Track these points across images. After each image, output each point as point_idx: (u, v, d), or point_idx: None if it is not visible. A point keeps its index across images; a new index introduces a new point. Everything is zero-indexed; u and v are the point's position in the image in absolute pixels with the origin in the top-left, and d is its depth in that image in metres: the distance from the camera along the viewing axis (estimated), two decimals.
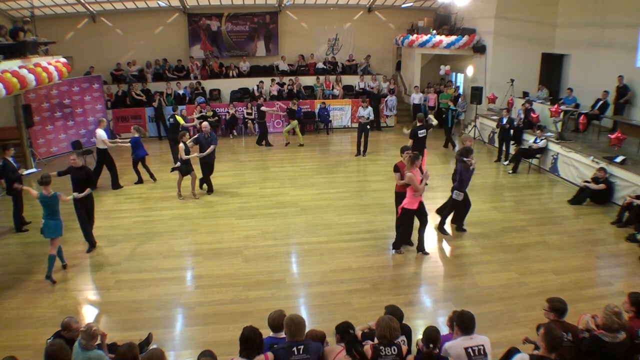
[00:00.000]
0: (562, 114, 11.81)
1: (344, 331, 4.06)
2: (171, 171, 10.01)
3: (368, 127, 12.95)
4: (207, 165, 9.99)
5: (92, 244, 7.58)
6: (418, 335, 4.63)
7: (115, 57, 16.26)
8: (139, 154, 10.60)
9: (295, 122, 14.36)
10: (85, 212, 7.44)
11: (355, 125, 14.36)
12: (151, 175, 10.92)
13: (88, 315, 5.79)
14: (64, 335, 4.18)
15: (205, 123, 10.12)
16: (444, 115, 14.91)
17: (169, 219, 8.74)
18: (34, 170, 10.63)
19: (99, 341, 4.03)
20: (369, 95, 16.24)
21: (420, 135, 9.79)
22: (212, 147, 9.74)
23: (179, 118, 12.19)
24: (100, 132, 10.47)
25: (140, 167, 10.80)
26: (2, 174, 8.27)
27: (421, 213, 7.02)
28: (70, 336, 4.12)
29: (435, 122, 10.69)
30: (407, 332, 4.26)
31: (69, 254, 7.38)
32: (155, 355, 3.43)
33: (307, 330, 3.99)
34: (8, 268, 7.02)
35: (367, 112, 12.87)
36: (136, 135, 10.57)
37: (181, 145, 9.41)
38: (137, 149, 10.54)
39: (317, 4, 17.39)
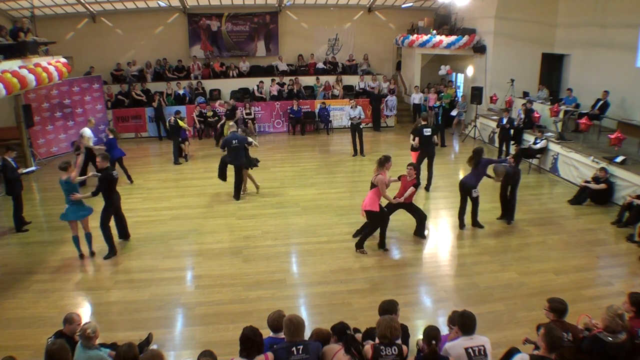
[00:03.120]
0: (561, 114, 11.81)
1: (340, 332, 4.05)
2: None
3: (361, 126, 12.98)
4: (234, 168, 9.65)
5: (127, 236, 7.81)
6: (418, 335, 4.63)
7: (115, 57, 16.27)
8: (114, 155, 10.20)
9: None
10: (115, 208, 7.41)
11: None
12: (128, 177, 10.81)
13: (88, 315, 5.78)
14: (65, 329, 4.21)
15: (231, 122, 9.97)
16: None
17: (169, 219, 8.74)
18: (33, 168, 10.65)
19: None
20: (368, 95, 16.29)
21: (425, 134, 9.79)
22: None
23: (181, 123, 12.26)
24: (87, 131, 10.61)
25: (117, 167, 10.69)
26: (2, 173, 8.29)
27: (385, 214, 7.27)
28: (71, 330, 4.16)
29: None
30: (403, 331, 4.26)
31: (69, 253, 7.39)
32: (156, 355, 3.43)
33: (307, 329, 3.99)
34: (8, 268, 7.01)
35: (357, 112, 12.86)
36: (110, 136, 10.46)
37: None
38: (113, 150, 10.23)
39: (317, 4, 17.39)
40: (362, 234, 7.37)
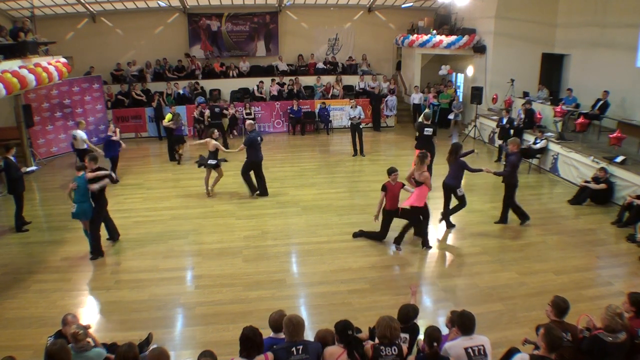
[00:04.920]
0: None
1: (342, 331, 3.97)
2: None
3: (361, 126, 12.98)
4: (254, 165, 9.73)
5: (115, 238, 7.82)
6: (419, 335, 4.62)
7: (115, 57, 16.26)
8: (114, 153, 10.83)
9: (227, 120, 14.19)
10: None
11: None
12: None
13: (88, 315, 5.78)
14: (63, 330, 4.21)
15: (249, 121, 10.04)
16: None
17: (169, 219, 8.73)
18: (34, 168, 10.68)
19: (89, 340, 4.04)
20: (368, 95, 16.29)
21: (425, 133, 9.79)
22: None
23: (168, 116, 12.28)
24: (80, 133, 10.77)
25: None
26: (5, 172, 8.30)
27: (427, 210, 7.38)
28: (67, 331, 4.15)
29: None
30: (413, 330, 4.26)
31: (69, 253, 7.40)
32: (163, 354, 3.43)
33: (307, 329, 3.97)
34: (8, 268, 7.01)
35: (357, 112, 12.86)
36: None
37: (212, 142, 9.54)
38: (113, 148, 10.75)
39: (317, 4, 17.39)
40: (423, 234, 7.40)
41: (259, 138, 9.63)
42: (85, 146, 10.76)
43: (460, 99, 17.04)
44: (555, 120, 11.93)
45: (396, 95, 16.63)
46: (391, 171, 7.34)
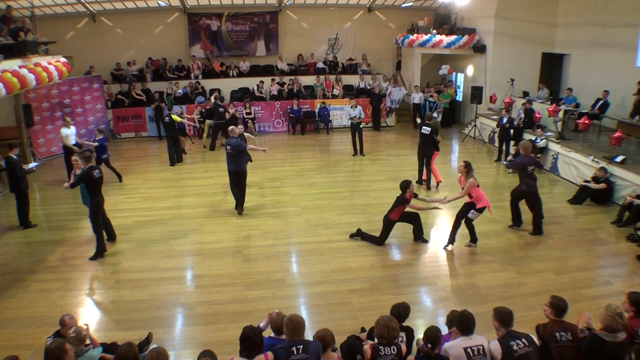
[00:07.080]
0: (561, 113, 11.81)
1: (349, 355, 3.68)
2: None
3: (361, 126, 12.97)
4: (230, 176, 8.87)
5: (113, 238, 7.78)
6: (418, 335, 4.63)
7: (115, 57, 16.27)
8: (99, 155, 10.41)
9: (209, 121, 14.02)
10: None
11: None
12: (117, 176, 10.95)
13: (88, 315, 5.78)
14: (61, 331, 4.20)
15: (231, 127, 9.06)
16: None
17: (169, 219, 8.73)
18: (37, 163, 10.72)
19: (87, 341, 4.03)
20: (369, 95, 16.29)
21: (423, 131, 9.77)
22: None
23: (174, 117, 12.23)
24: (63, 130, 10.79)
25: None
26: (9, 170, 8.31)
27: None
28: (65, 332, 4.15)
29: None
30: (409, 333, 4.26)
31: (69, 253, 7.41)
32: (162, 354, 3.44)
33: (307, 329, 3.97)
34: (8, 267, 7.02)
35: (357, 111, 12.82)
36: (100, 137, 10.66)
37: None
38: (99, 150, 10.44)
39: (317, 4, 17.39)
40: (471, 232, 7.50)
41: (227, 147, 8.58)
42: (69, 143, 10.70)
43: (460, 99, 17.08)
44: (554, 120, 11.94)
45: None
46: (408, 185, 7.21)
